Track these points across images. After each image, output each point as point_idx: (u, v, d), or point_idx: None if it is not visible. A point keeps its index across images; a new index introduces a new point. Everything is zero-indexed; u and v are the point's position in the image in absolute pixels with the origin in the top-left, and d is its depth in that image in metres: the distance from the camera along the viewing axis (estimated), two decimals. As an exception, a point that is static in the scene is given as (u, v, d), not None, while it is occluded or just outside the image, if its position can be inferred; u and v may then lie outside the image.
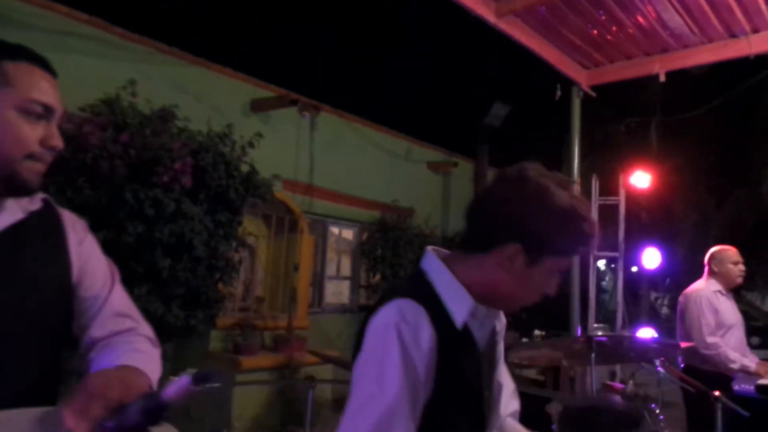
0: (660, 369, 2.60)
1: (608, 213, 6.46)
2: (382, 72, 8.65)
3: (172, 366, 4.80)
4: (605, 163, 7.47)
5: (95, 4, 5.06)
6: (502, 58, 7.25)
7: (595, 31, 5.15)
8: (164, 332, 3.80)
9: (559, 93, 5.57)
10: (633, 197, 7.38)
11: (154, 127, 3.84)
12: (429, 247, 1.18)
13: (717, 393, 2.91)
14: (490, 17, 4.53)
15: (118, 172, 3.41)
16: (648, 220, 9.82)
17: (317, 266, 6.84)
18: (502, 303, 1.14)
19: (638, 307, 11.69)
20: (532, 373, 6.23)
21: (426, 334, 1.00)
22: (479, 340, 1.13)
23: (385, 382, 0.96)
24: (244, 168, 4.08)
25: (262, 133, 5.94)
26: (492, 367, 1.22)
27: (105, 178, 3.41)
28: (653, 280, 11.71)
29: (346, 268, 7.38)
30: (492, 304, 1.13)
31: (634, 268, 9.54)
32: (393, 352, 0.97)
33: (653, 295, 13.68)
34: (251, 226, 5.49)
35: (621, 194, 6.16)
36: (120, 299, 1.20)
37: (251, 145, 4.14)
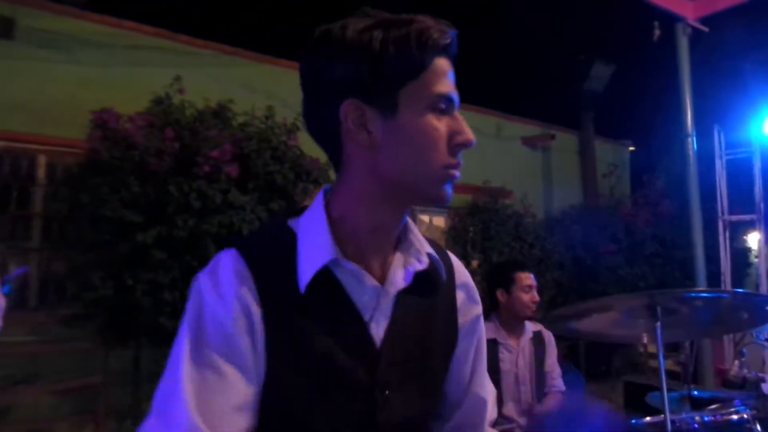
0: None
1: (739, 169, 5.42)
2: (465, 44, 8.13)
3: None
4: (730, 110, 6.30)
5: (160, 17, 5.25)
6: (596, 8, 6.42)
7: (695, -50, 4.30)
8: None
9: (657, 32, 4.74)
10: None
11: (207, 121, 3.81)
12: (326, 187, 0.89)
13: None
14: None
15: (163, 167, 3.41)
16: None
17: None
18: (409, 191, 0.82)
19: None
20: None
21: (231, 294, 0.78)
22: (360, 300, 0.83)
23: (174, 352, 0.77)
24: (294, 153, 3.91)
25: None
26: (424, 337, 0.89)
27: (152, 174, 3.43)
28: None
29: (438, 257, 7.00)
30: (401, 202, 0.84)
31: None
32: (188, 309, 0.80)
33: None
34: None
35: (754, 145, 5.11)
36: None
37: (297, 127, 3.96)
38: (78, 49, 4.77)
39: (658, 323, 1.38)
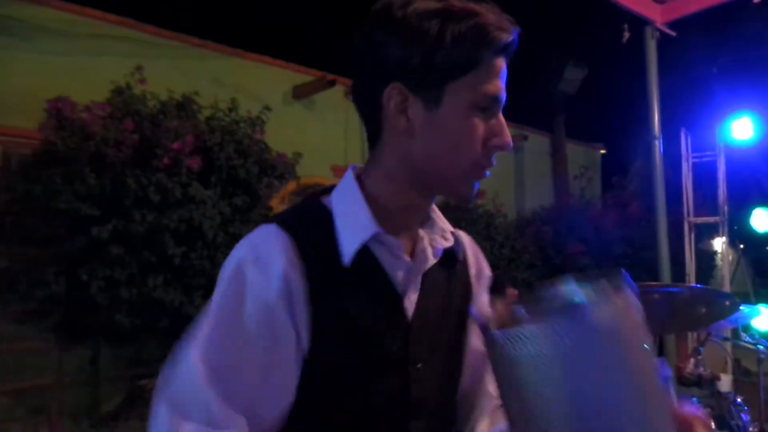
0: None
1: (706, 172, 5.51)
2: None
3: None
4: (697, 114, 6.41)
5: (126, 6, 5.10)
6: (569, 11, 6.48)
7: (664, -47, 4.34)
8: (188, 324, 3.64)
9: (627, 34, 4.78)
10: (748, 152, 6.29)
11: (170, 113, 3.70)
12: (353, 165, 0.90)
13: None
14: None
15: (121, 159, 3.29)
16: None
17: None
18: (438, 181, 0.84)
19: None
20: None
21: (277, 268, 0.77)
22: (395, 274, 0.84)
23: (209, 343, 0.76)
24: (259, 147, 3.83)
25: (307, 119, 5.70)
26: (446, 310, 0.91)
27: (109, 166, 3.31)
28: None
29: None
30: (429, 189, 0.86)
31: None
32: (226, 290, 0.78)
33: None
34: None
35: (719, 149, 5.19)
36: None
37: (262, 120, 3.88)
38: (38, 37, 4.59)
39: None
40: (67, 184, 3.28)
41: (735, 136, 5.24)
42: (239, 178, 3.63)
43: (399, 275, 0.84)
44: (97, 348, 4.05)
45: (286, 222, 0.81)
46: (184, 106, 3.97)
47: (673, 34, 5.05)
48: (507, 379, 0.72)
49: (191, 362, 0.76)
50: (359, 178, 0.86)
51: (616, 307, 0.66)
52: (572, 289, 0.67)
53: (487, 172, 0.83)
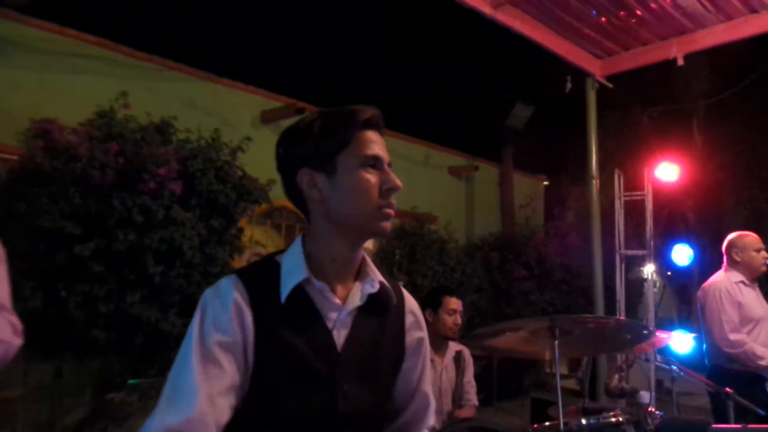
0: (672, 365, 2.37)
1: (635, 209, 6.13)
2: (397, 78, 8.60)
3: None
4: (629, 157, 7.11)
5: (103, 26, 5.23)
6: (520, 56, 7.05)
7: (604, 18, 4.93)
8: (162, 340, 3.80)
9: (569, 85, 5.36)
10: (673, 193, 6.97)
11: (150, 137, 3.88)
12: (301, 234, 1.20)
13: (728, 390, 2.65)
14: (486, 9, 4.39)
15: (107, 181, 3.46)
16: (691, 216, 9.29)
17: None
18: (354, 228, 1.11)
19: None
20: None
21: (228, 301, 1.04)
22: (326, 313, 1.10)
23: (183, 351, 1.02)
24: (237, 173, 4.07)
25: (274, 144, 5.95)
26: (375, 346, 1.15)
27: (94, 187, 3.47)
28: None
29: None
30: (352, 238, 1.13)
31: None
32: (196, 318, 1.05)
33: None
34: (260, 234, 5.48)
35: (647, 189, 5.81)
36: None
37: (241, 149, 4.13)
38: (14, 53, 4.67)
39: (556, 342, 1.72)
40: (53, 203, 3.41)
41: (662, 178, 5.87)
42: (218, 203, 3.86)
43: (331, 315, 1.09)
44: (63, 362, 4.11)
45: (244, 273, 1.10)
46: (163, 131, 4.15)
47: (611, 86, 5.67)
48: None
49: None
50: (302, 240, 1.14)
51: None
52: None
53: (392, 212, 1.11)
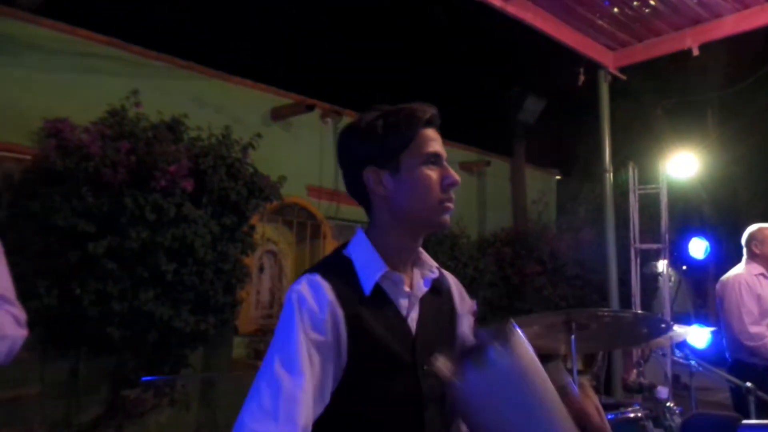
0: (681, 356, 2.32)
1: (650, 202, 6.05)
2: (407, 73, 8.55)
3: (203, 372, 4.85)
4: (643, 150, 7.00)
5: (114, 26, 5.25)
6: (531, 49, 6.98)
7: (616, 9, 4.85)
8: (175, 337, 3.82)
9: (582, 77, 5.29)
10: (687, 185, 6.85)
11: (161, 135, 3.89)
12: (359, 226, 1.25)
13: (749, 384, 2.60)
14: (496, 0, 4.34)
15: (119, 179, 3.47)
16: (706, 209, 9.15)
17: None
18: (418, 222, 1.17)
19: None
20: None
21: (324, 302, 1.08)
22: (399, 301, 1.17)
23: (284, 345, 1.06)
24: (248, 170, 4.07)
25: (284, 141, 5.94)
26: (440, 326, 1.23)
27: (107, 185, 3.48)
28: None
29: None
30: (416, 231, 1.19)
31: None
32: (292, 317, 1.07)
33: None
34: (272, 232, 5.48)
35: (662, 182, 5.73)
36: None
37: (252, 146, 4.13)
38: (26, 54, 4.70)
39: (573, 336, 1.69)
40: (66, 202, 3.44)
41: (677, 171, 5.80)
42: (229, 200, 3.87)
43: (403, 302, 1.17)
44: (79, 359, 4.14)
45: (324, 270, 1.14)
46: (173, 128, 4.16)
47: (624, 78, 5.59)
48: (462, 411, 1.10)
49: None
50: (367, 234, 1.20)
51: (515, 345, 1.04)
52: (485, 336, 1.05)
53: (451, 205, 1.16)
